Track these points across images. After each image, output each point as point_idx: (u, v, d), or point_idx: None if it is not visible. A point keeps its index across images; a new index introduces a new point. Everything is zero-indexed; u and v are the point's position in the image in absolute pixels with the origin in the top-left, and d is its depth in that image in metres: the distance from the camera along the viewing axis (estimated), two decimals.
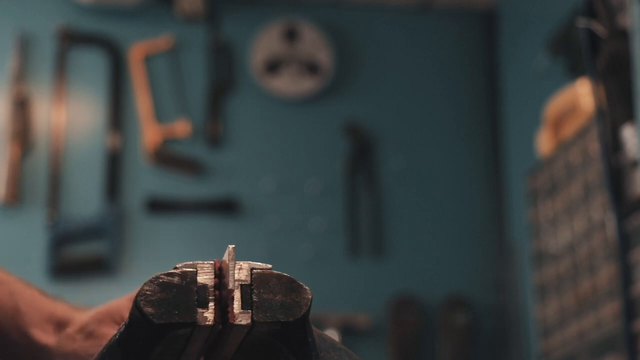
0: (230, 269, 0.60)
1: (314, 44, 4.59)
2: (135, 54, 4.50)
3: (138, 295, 0.59)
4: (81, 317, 0.82)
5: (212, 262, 0.63)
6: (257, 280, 0.61)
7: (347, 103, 4.59)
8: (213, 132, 4.48)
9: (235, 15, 4.62)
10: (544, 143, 3.75)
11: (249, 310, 0.60)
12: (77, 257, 4.22)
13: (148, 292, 0.60)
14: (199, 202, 4.36)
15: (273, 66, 4.56)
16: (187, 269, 0.61)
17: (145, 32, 4.53)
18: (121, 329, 0.63)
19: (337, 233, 4.41)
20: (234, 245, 0.60)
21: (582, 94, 3.41)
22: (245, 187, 4.44)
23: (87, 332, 0.79)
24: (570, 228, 3.48)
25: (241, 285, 0.60)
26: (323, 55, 4.58)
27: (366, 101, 4.60)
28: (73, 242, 4.23)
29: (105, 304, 0.83)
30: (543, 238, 3.71)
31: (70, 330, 0.81)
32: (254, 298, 0.60)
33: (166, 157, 4.40)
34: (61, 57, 4.47)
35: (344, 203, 4.46)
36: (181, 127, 4.46)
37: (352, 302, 4.25)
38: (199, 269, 0.62)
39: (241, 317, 0.60)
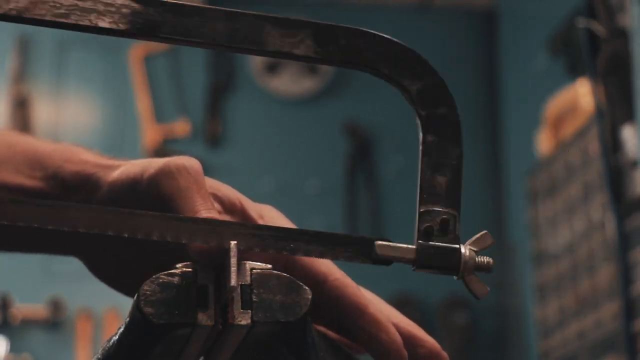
0: (230, 269, 0.60)
1: None
2: (135, 54, 4.51)
3: (138, 295, 0.59)
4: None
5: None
6: (257, 280, 0.61)
7: (347, 103, 4.60)
8: (213, 132, 4.48)
9: None
10: (544, 143, 3.75)
11: (249, 311, 0.60)
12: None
13: (148, 292, 0.60)
14: None
15: (272, 66, 4.56)
16: (187, 269, 0.61)
17: None
18: (121, 329, 0.63)
19: None
20: (234, 245, 0.60)
21: (582, 94, 3.42)
22: (245, 187, 4.43)
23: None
24: (569, 228, 3.48)
25: (241, 285, 0.60)
26: None
27: (366, 101, 4.61)
28: None
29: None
30: (543, 238, 3.71)
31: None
32: (254, 298, 0.60)
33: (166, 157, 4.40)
34: (61, 57, 4.48)
35: (343, 203, 4.47)
36: (181, 127, 4.47)
37: None
38: (199, 269, 0.62)
39: (241, 317, 0.60)
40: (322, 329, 0.72)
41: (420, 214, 0.63)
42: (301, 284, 0.61)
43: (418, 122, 0.64)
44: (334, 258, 0.65)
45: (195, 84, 4.55)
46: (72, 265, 0.81)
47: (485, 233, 0.65)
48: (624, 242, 3.01)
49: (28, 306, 4.17)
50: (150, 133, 4.44)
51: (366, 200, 4.50)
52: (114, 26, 0.60)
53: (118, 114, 4.48)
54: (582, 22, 3.16)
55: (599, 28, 3.08)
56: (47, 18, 0.58)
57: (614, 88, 2.99)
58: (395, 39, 0.63)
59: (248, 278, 0.59)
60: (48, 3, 0.59)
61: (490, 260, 0.64)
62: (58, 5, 0.59)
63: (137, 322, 0.59)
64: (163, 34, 0.61)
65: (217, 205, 0.70)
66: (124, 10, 0.60)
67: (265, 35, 0.61)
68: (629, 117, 2.95)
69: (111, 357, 0.63)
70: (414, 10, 4.73)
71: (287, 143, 4.53)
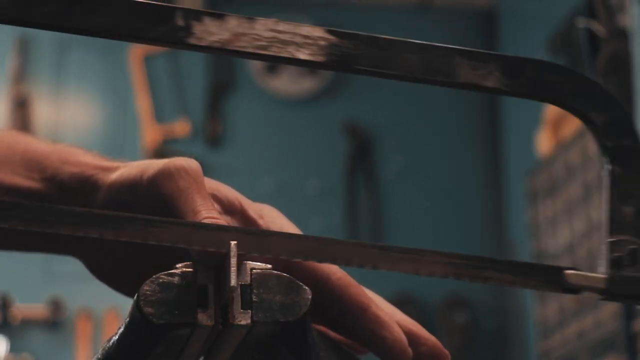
0: (230, 269, 0.60)
1: None
2: (135, 54, 4.51)
3: (138, 295, 0.60)
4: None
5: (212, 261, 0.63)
6: (257, 280, 0.61)
7: (347, 103, 4.60)
8: (213, 132, 4.49)
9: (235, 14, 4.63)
10: (544, 143, 3.76)
11: (249, 311, 0.60)
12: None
13: (148, 292, 0.60)
14: None
15: (273, 66, 4.56)
16: (187, 269, 0.61)
17: None
18: (121, 329, 0.63)
19: (337, 233, 4.41)
20: (234, 245, 0.60)
21: None
22: (245, 187, 4.43)
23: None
24: (569, 228, 3.49)
25: (241, 285, 0.60)
26: None
27: (366, 101, 4.62)
28: None
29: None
30: (543, 238, 3.71)
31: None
32: (254, 298, 0.60)
33: (166, 157, 4.40)
34: (61, 57, 4.48)
35: (344, 203, 4.47)
36: (181, 127, 4.47)
37: None
38: (199, 269, 0.62)
39: (241, 317, 0.60)
40: (322, 328, 0.72)
41: (610, 243, 0.64)
42: (301, 284, 0.61)
43: (603, 153, 0.65)
44: (524, 287, 0.66)
45: (195, 84, 4.56)
46: (72, 265, 0.81)
47: None
48: None
49: (28, 306, 4.18)
50: (150, 133, 4.44)
51: (366, 200, 4.50)
52: (312, 58, 0.62)
53: (118, 114, 4.48)
54: (582, 22, 3.16)
55: (599, 28, 3.09)
56: (249, 50, 0.60)
57: (614, 88, 3.00)
58: (579, 72, 0.64)
59: (248, 278, 0.60)
60: (249, 35, 0.60)
61: None
62: (258, 37, 0.61)
63: (137, 322, 0.60)
64: (359, 66, 0.62)
65: (216, 205, 0.70)
66: (321, 42, 0.62)
67: (456, 67, 0.63)
68: None
69: (111, 357, 0.63)
70: (414, 10, 4.73)
71: (287, 143, 4.54)
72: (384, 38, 0.63)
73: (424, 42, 0.63)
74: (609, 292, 0.63)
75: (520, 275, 0.65)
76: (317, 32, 0.61)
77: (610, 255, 0.63)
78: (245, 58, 0.61)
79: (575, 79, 0.64)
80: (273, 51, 0.61)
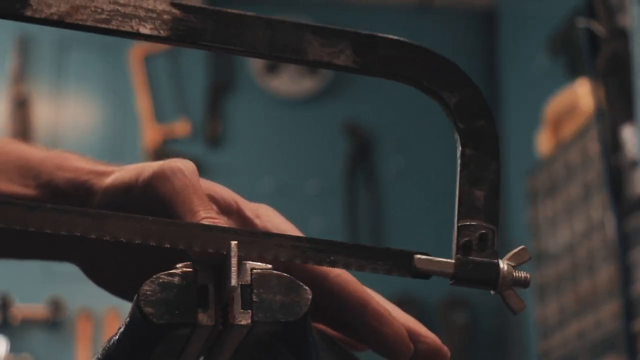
0: (231, 269, 0.60)
1: None
2: (135, 54, 4.51)
3: (138, 295, 0.60)
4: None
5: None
6: (257, 280, 0.61)
7: (347, 103, 4.60)
8: (213, 132, 4.49)
9: None
10: (544, 143, 3.76)
11: (249, 311, 0.60)
12: None
13: (148, 292, 0.60)
14: None
15: (272, 66, 4.57)
16: (188, 269, 0.61)
17: None
18: (121, 329, 0.63)
19: (337, 233, 4.42)
20: (234, 245, 0.60)
21: (582, 94, 3.42)
22: (245, 187, 4.44)
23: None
24: (569, 228, 3.49)
25: (241, 285, 0.60)
26: None
27: (366, 101, 4.62)
28: None
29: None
30: (543, 238, 3.71)
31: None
32: (254, 298, 0.60)
33: (166, 157, 4.40)
34: (61, 57, 4.48)
35: (343, 203, 4.47)
36: (181, 127, 4.47)
37: None
38: (199, 268, 0.62)
39: (241, 317, 0.60)
40: (321, 326, 0.72)
41: (459, 228, 0.63)
42: (301, 284, 0.61)
43: (456, 135, 0.63)
44: (372, 271, 0.65)
45: (195, 84, 4.55)
46: (72, 265, 0.81)
47: (523, 248, 0.65)
48: (624, 242, 3.01)
49: (28, 306, 4.18)
50: (150, 133, 4.44)
51: (366, 200, 4.50)
52: (155, 32, 0.60)
53: (118, 114, 4.48)
54: (582, 22, 3.16)
55: (599, 28, 3.09)
56: (89, 23, 0.58)
57: (614, 88, 2.99)
58: (435, 51, 0.63)
59: (248, 278, 0.60)
60: (89, 8, 0.59)
61: (528, 275, 0.64)
62: (99, 10, 0.59)
63: (137, 322, 0.60)
64: (204, 42, 0.61)
65: (213, 206, 0.70)
66: (165, 16, 0.60)
67: (306, 44, 0.62)
68: (629, 117, 2.96)
69: (111, 357, 0.63)
70: (414, 10, 4.73)
71: (287, 143, 4.53)
72: (231, 12, 0.61)
73: (274, 17, 0.62)
74: (456, 276, 0.63)
75: (369, 260, 0.64)
76: (161, 5, 0.60)
77: (459, 240, 0.63)
78: (85, 31, 0.59)
79: (429, 58, 0.62)
80: (114, 25, 0.59)
